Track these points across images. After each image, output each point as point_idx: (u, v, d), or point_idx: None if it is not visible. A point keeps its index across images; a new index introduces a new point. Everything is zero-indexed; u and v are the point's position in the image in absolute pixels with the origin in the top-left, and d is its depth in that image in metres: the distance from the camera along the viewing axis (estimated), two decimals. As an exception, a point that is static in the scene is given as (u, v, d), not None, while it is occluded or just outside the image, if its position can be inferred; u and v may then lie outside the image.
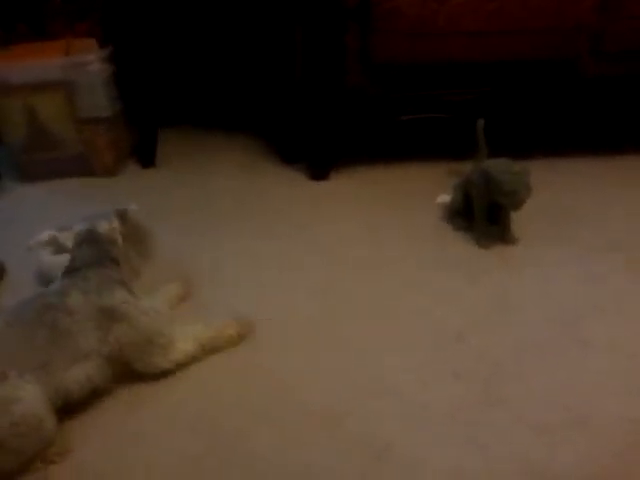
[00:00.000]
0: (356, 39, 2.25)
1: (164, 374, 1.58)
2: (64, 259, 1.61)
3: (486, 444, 1.40)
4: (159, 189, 2.45)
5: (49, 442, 1.38)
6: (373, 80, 2.32)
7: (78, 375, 1.45)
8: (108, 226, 1.59)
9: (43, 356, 1.41)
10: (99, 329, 1.48)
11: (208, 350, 1.63)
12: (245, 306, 1.82)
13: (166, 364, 1.57)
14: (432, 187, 2.33)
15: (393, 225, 2.19)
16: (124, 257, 1.60)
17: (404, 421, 1.46)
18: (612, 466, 1.35)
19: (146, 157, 2.62)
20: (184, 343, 1.59)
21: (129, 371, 1.56)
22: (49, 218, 2.07)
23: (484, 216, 2.06)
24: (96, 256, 1.55)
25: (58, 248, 1.84)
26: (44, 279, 1.86)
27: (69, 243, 1.62)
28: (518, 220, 2.06)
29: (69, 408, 1.47)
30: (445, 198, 2.22)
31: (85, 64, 2.40)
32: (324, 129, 2.43)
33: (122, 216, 1.63)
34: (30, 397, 1.35)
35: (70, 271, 1.55)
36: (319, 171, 2.48)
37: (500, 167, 1.95)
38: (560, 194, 2.32)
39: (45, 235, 1.85)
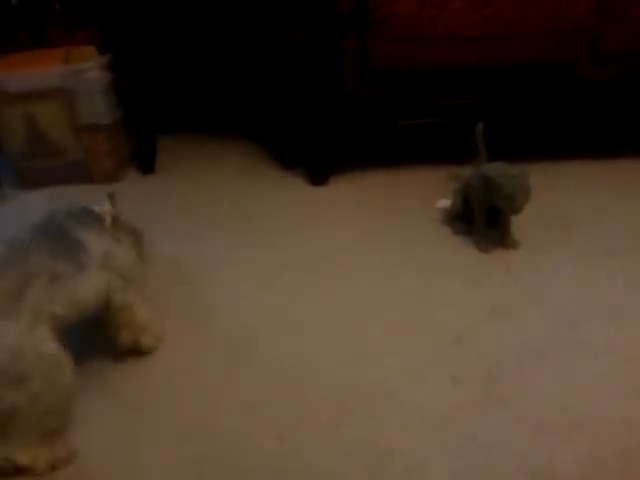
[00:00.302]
0: (354, 44, 2.25)
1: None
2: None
3: (486, 445, 1.40)
4: (159, 195, 2.45)
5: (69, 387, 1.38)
6: (371, 85, 2.33)
7: (88, 286, 1.48)
8: (99, 208, 1.63)
9: (51, 268, 1.42)
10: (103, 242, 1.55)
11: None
12: (244, 310, 1.82)
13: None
14: (431, 191, 2.33)
15: (393, 229, 2.19)
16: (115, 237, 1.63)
17: (404, 423, 1.46)
18: (611, 467, 1.35)
19: (146, 163, 2.63)
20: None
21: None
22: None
23: (484, 220, 2.06)
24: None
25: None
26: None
27: None
28: (517, 224, 2.07)
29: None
30: (445, 203, 2.23)
31: (84, 72, 2.40)
32: (322, 134, 2.44)
33: (112, 199, 1.67)
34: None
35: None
36: (318, 176, 2.48)
37: (499, 171, 1.96)
38: (558, 198, 2.33)
39: None
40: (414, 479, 1.34)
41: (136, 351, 1.65)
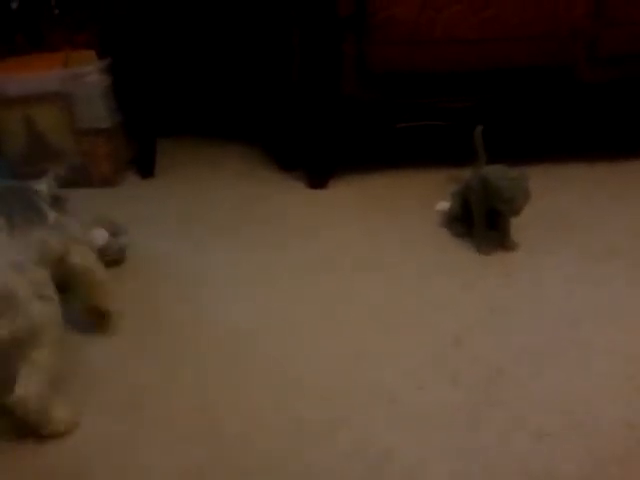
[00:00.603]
0: (353, 47, 2.26)
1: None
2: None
3: (486, 446, 1.39)
4: (158, 199, 2.45)
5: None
6: (370, 88, 2.33)
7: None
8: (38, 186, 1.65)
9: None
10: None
11: None
12: (244, 311, 1.82)
13: None
14: (431, 194, 2.33)
15: (392, 232, 2.19)
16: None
17: (403, 425, 1.45)
18: (612, 469, 1.34)
19: (145, 167, 2.63)
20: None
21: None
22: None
23: (483, 222, 2.06)
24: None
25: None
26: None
27: None
28: (517, 226, 2.07)
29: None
30: (444, 205, 2.23)
31: (84, 75, 2.41)
32: (321, 137, 2.44)
33: (57, 179, 1.70)
34: None
35: None
36: (317, 179, 2.48)
37: (498, 173, 1.96)
38: (558, 199, 2.33)
39: None
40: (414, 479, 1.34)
41: (101, 315, 1.70)
